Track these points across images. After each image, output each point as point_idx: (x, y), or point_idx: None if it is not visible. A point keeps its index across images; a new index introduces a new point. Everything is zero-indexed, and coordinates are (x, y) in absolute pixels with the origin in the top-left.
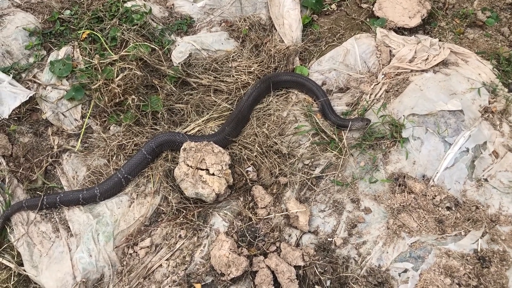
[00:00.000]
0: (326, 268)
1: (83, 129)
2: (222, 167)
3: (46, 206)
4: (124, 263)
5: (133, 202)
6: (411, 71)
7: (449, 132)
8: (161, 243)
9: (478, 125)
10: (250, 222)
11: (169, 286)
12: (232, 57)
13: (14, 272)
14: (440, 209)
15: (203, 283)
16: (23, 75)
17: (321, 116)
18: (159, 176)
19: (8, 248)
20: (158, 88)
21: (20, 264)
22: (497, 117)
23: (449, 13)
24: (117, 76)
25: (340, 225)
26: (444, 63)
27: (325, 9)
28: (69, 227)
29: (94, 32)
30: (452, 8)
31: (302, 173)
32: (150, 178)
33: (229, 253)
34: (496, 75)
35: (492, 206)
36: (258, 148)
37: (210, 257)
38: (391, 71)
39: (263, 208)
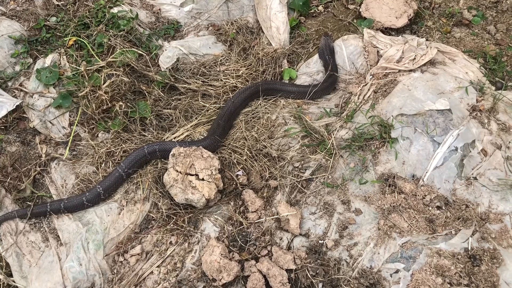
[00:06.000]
0: (318, 271)
1: (71, 137)
2: (212, 172)
3: (50, 213)
4: (115, 271)
5: (123, 209)
6: (399, 71)
7: (438, 131)
8: (151, 250)
9: (466, 123)
10: (241, 227)
11: None
12: (220, 61)
13: (3, 283)
14: (430, 208)
15: None
16: (9, 83)
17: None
18: (148, 183)
19: None
20: (146, 94)
21: (9, 275)
22: (485, 115)
23: (435, 13)
24: (104, 83)
25: (331, 227)
26: (432, 63)
27: (312, 11)
28: (58, 236)
29: (81, 39)
30: (439, 8)
31: (292, 176)
32: (139, 185)
33: (220, 258)
34: (483, 73)
35: (482, 204)
36: (248, 152)
37: (201, 263)
38: (379, 72)
39: (254, 212)
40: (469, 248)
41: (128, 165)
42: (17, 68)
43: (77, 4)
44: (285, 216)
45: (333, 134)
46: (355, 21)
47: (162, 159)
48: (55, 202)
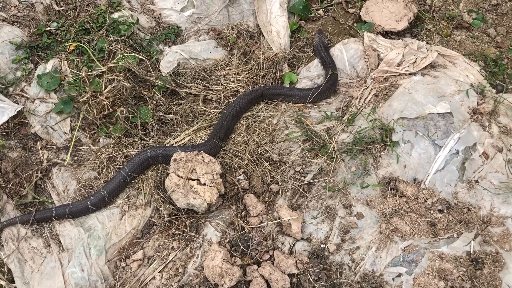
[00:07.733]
0: (320, 275)
1: (72, 142)
2: (213, 177)
3: (56, 218)
4: (117, 276)
5: (124, 214)
6: (400, 74)
7: (439, 134)
8: (153, 255)
9: (467, 126)
10: (243, 231)
11: None
12: (221, 65)
13: None
14: (432, 212)
15: None
16: (11, 89)
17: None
18: (149, 188)
19: None
20: (147, 98)
21: (11, 281)
22: (486, 118)
23: (435, 16)
24: (105, 88)
25: (333, 231)
26: (432, 66)
27: (312, 15)
28: (60, 242)
29: (81, 44)
30: (439, 11)
31: (293, 180)
32: (141, 190)
33: (222, 263)
34: (483, 76)
35: (484, 208)
36: (249, 156)
37: (203, 268)
38: (380, 75)
39: (256, 216)
40: (471, 252)
41: (132, 168)
42: (18, 73)
43: (77, 9)
44: (286, 220)
45: (334, 138)
46: (355, 24)
47: (164, 164)
48: (60, 207)
